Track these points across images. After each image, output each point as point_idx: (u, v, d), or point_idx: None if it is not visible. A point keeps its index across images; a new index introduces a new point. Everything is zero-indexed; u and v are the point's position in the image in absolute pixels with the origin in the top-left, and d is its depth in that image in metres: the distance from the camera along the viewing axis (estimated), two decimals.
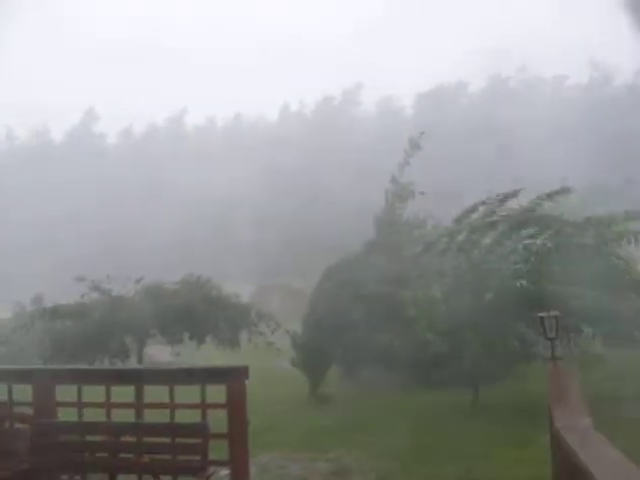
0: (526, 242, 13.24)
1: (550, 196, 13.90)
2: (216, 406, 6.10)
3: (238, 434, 5.96)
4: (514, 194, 14.11)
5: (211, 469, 5.94)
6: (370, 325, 14.04)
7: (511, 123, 46.40)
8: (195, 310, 13.77)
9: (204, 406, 6.10)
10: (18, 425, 6.78)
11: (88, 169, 53.09)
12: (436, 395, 13.92)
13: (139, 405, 6.43)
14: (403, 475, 9.22)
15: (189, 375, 6.63)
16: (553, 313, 7.04)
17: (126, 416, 6.62)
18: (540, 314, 7.15)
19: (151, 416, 6.72)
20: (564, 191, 14.15)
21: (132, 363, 13.58)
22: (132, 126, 69.34)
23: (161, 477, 6.13)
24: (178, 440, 6.04)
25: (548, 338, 6.77)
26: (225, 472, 6.21)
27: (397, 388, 15.19)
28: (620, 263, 13.12)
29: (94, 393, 6.60)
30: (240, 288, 15.15)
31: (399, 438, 11.00)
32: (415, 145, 15.52)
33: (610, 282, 12.30)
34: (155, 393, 6.50)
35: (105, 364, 13.23)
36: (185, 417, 6.19)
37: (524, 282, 12.38)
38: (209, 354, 14.90)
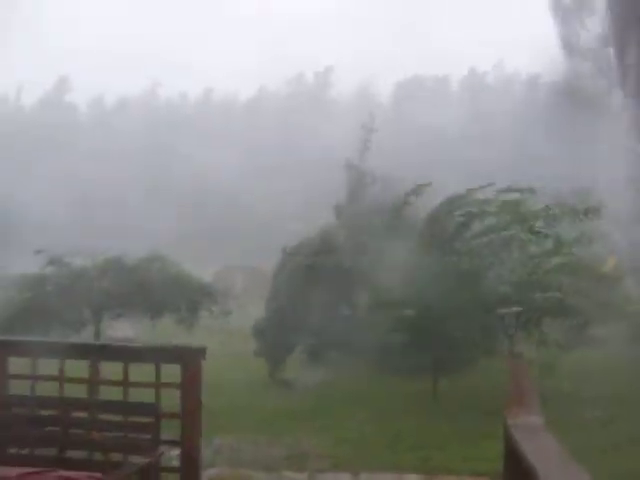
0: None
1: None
2: (170, 386, 6.02)
3: (191, 415, 5.89)
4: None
5: (161, 449, 5.88)
6: (331, 310, 14.02)
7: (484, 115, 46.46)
8: (152, 286, 13.67)
9: (158, 385, 6.01)
10: None
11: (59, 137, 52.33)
12: (398, 384, 13.96)
13: (93, 381, 6.32)
14: (359, 462, 9.23)
15: (144, 353, 6.54)
16: (515, 309, 7.03)
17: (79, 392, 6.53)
18: (500, 310, 7.14)
19: (109, 393, 6.62)
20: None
21: (89, 337, 13.47)
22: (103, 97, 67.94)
23: (111, 455, 6.06)
24: (130, 419, 5.97)
25: (508, 334, 6.76)
26: (176, 452, 6.17)
27: (360, 375, 15.23)
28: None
29: (48, 366, 6.50)
30: (205, 269, 15.03)
31: (359, 425, 11.04)
32: (370, 130, 15.48)
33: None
34: (115, 369, 6.41)
35: (60, 336, 13.07)
36: (145, 396, 6.10)
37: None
38: (168, 333, 14.81)
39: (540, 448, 3.72)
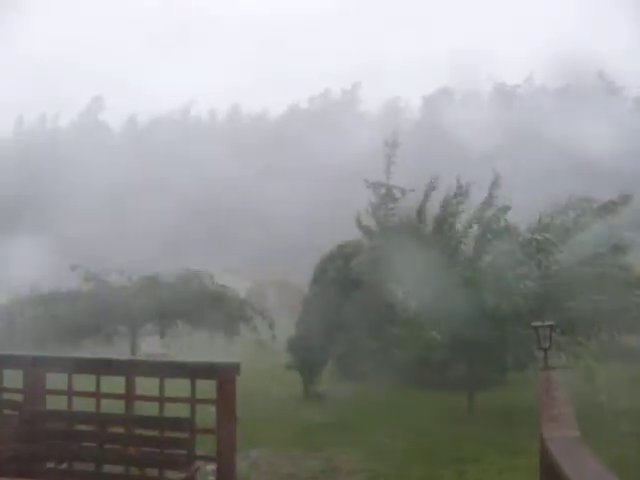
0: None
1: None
2: (205, 402, 6.07)
3: (226, 430, 5.93)
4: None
5: (197, 464, 5.93)
6: (365, 325, 14.00)
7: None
8: (190, 303, 13.78)
9: (193, 401, 6.06)
10: (7, 411, 6.76)
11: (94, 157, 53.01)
12: (433, 398, 13.90)
13: (129, 397, 6.39)
14: (394, 476, 9.19)
15: (180, 369, 6.59)
16: (548, 323, 6.98)
17: (116, 407, 6.60)
18: (534, 323, 7.08)
19: (144, 409, 6.69)
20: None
21: (124, 353, 13.61)
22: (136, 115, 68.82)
23: (147, 470, 6.11)
24: (166, 434, 6.02)
25: (541, 348, 6.71)
26: (211, 467, 6.20)
27: (393, 389, 15.18)
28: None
29: (85, 382, 6.58)
30: (237, 284, 15.10)
31: (392, 439, 11.00)
32: (394, 144, 15.44)
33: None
34: (151, 385, 6.47)
35: (96, 352, 13.24)
36: (180, 411, 6.16)
37: (529, 283, 12.30)
38: (203, 348, 14.90)
39: (576, 461, 3.69)
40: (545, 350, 6.63)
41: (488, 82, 64.45)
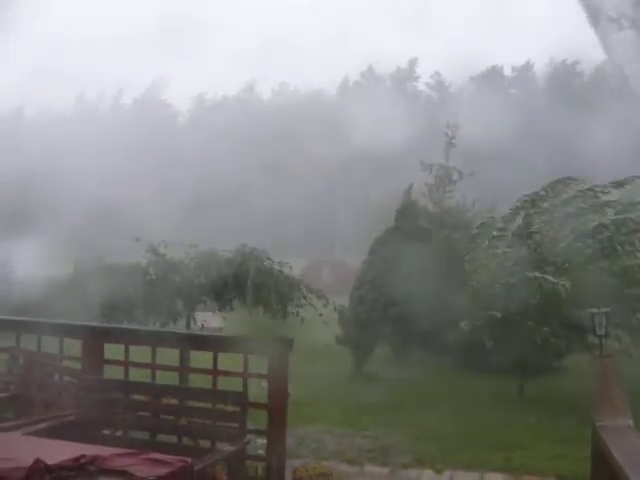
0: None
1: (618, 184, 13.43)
2: (257, 376, 6.17)
3: (277, 405, 6.03)
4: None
5: (248, 437, 6.04)
6: (418, 305, 13.94)
7: None
8: (247, 279, 13.89)
9: (246, 375, 6.17)
10: (67, 378, 6.98)
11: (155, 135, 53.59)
12: (483, 382, 13.82)
13: (183, 369, 6.55)
14: (441, 459, 9.19)
15: (234, 344, 6.71)
16: (604, 309, 6.88)
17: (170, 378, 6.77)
18: (590, 310, 6.99)
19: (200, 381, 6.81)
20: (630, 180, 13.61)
21: (180, 327, 13.81)
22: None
23: (199, 441, 6.25)
24: (218, 407, 6.14)
25: (597, 335, 6.63)
26: (262, 441, 6.31)
27: (444, 371, 15.13)
28: None
29: (140, 353, 6.75)
30: (293, 262, 15.14)
31: (440, 422, 10.99)
32: (455, 127, 15.27)
33: None
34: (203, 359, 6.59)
35: (154, 326, 13.47)
36: (236, 385, 6.26)
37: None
38: (258, 325, 15.04)
39: (629, 450, 3.66)
40: (600, 337, 6.54)
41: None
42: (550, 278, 12.11)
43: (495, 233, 13.80)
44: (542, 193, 13.71)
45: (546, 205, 13.53)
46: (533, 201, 13.68)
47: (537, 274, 12.21)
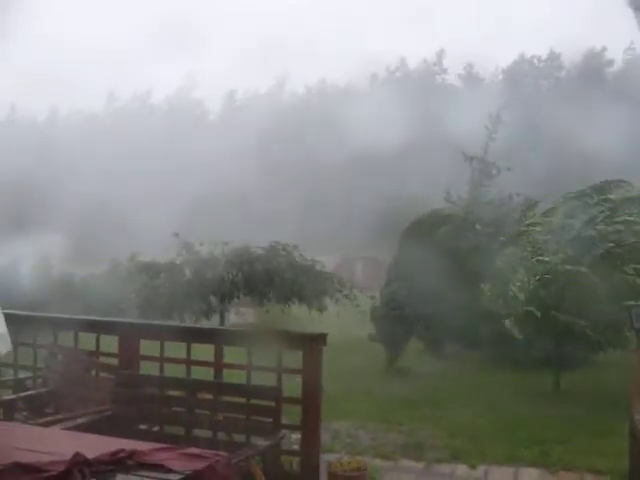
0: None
1: None
2: (291, 371, 6.20)
3: (311, 400, 6.05)
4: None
5: (283, 432, 6.07)
6: (450, 300, 13.88)
7: None
8: (280, 275, 13.97)
9: (280, 370, 6.20)
10: (103, 374, 7.08)
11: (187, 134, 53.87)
12: (516, 376, 13.74)
13: (217, 364, 6.59)
14: (476, 454, 9.14)
15: (268, 339, 6.73)
16: None
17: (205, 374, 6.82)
18: (628, 303, 6.91)
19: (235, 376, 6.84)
20: None
21: (213, 322, 13.94)
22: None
23: (234, 436, 6.30)
24: (252, 402, 6.18)
25: (635, 328, 6.55)
26: (296, 436, 6.34)
27: (478, 366, 15.06)
28: None
29: (176, 349, 6.81)
30: (325, 259, 15.19)
31: (476, 417, 10.95)
32: (497, 119, 15.13)
33: None
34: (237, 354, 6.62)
35: (189, 322, 13.59)
36: (270, 379, 6.29)
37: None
38: (291, 320, 15.11)
39: None
40: (638, 330, 6.46)
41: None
42: (585, 270, 11.98)
43: (537, 228, 13.65)
44: (587, 191, 13.56)
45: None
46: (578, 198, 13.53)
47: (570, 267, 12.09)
